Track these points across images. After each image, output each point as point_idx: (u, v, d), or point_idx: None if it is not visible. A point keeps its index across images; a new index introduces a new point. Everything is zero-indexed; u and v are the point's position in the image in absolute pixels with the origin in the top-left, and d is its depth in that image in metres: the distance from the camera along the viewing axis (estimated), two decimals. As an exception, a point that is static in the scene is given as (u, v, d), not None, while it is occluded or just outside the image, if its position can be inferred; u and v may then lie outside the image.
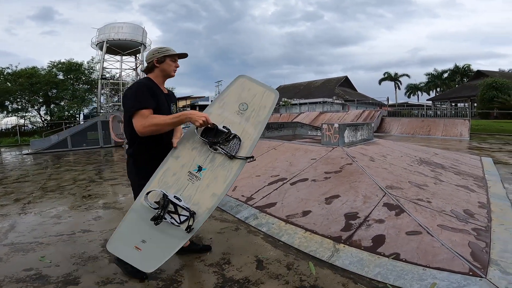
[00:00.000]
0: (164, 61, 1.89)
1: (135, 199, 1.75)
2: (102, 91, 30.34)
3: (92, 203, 4.26)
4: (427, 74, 41.89)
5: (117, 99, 33.86)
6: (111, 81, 31.05)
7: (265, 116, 1.78)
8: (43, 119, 28.40)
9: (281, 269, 2.16)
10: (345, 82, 40.44)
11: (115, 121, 13.34)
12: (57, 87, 27.64)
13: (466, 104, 29.29)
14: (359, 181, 3.41)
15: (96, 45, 30.05)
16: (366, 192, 3.09)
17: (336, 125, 5.10)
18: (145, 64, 1.95)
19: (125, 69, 32.94)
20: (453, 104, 31.31)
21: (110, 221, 3.46)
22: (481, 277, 1.69)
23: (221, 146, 1.67)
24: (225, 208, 3.62)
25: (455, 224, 2.39)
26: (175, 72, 1.96)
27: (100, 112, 26.34)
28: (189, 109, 32.54)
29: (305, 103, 30.58)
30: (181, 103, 36.36)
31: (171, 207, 1.57)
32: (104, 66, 29.99)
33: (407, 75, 43.64)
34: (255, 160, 1.75)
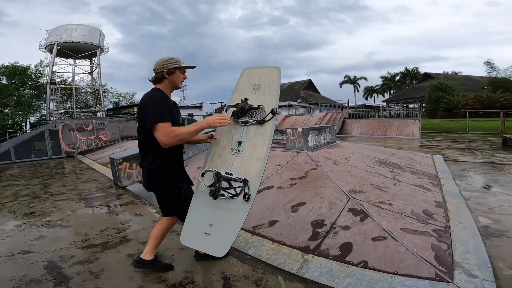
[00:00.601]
0: (174, 72, 1.89)
1: (166, 208, 2.01)
2: (52, 97, 27.93)
3: (34, 221, 3.80)
4: (382, 77, 44.81)
5: (69, 105, 31.41)
6: (62, 86, 28.74)
7: (276, 86, 1.98)
8: (-18, 128, 25.38)
9: (250, 286, 2.03)
10: (309, 85, 41.76)
11: (66, 129, 12.26)
12: (0, 93, 24.91)
13: (415, 105, 31.75)
14: (323, 187, 3.40)
15: (46, 47, 27.62)
16: (331, 198, 3.08)
17: (300, 129, 5.11)
18: (154, 74, 1.92)
19: (79, 73, 30.78)
20: (405, 105, 33.77)
21: (55, 240, 3.11)
22: (448, 282, 1.71)
23: (249, 118, 1.88)
24: (188, 222, 3.40)
25: (416, 226, 2.44)
26: (182, 84, 1.99)
27: (49, 120, 24.16)
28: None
29: (272, 107, 30.75)
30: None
31: (225, 184, 1.70)
32: (54, 70, 27.60)
33: (365, 78, 46.43)
34: (275, 114, 1.89)
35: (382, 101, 40.03)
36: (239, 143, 1.85)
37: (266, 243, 2.55)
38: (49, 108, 26.97)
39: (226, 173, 1.74)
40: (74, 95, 30.08)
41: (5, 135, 16.70)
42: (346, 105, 32.02)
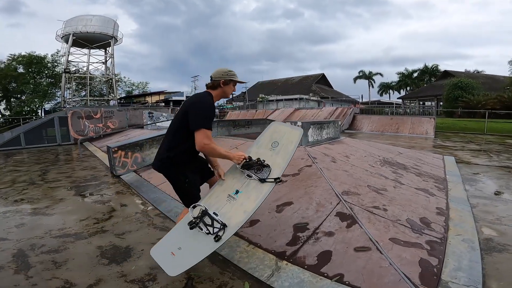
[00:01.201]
0: (229, 84, 2.07)
1: (177, 191, 2.08)
2: (67, 86, 28.54)
3: (21, 208, 3.76)
4: (399, 73, 43.35)
5: (84, 93, 32.06)
6: (76, 75, 29.30)
7: (291, 149, 2.16)
8: (1, 114, 26.25)
9: (211, 290, 1.85)
10: (322, 79, 40.91)
11: (75, 117, 12.41)
12: (16, 81, 25.57)
13: (433, 103, 30.54)
14: (315, 186, 3.16)
15: (62, 37, 28.17)
16: (321, 199, 2.84)
17: (299, 123, 4.84)
18: (211, 80, 2.06)
19: (93, 62, 31.29)
20: (421, 102, 32.55)
21: (33, 228, 3.06)
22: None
23: (254, 173, 2.03)
24: (169, 215, 3.25)
25: (409, 236, 2.18)
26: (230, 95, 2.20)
27: (64, 107, 24.70)
28: (163, 104, 31.48)
29: (282, 100, 30.53)
30: (154, 98, 34.98)
31: (208, 221, 1.82)
32: (69, 59, 28.15)
33: (380, 74, 44.94)
34: (283, 182, 2.03)
35: (398, 98, 38.77)
36: (237, 192, 1.99)
37: (242, 244, 2.36)
38: (63, 96, 27.55)
39: (214, 212, 1.87)
40: (88, 84, 30.60)
41: (19, 121, 17.13)
42: (359, 100, 31.19)
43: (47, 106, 29.70)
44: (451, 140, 10.90)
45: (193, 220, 1.82)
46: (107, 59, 31.19)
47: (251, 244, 2.33)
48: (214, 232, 1.76)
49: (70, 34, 27.15)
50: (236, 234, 2.53)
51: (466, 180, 4.50)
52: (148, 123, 13.83)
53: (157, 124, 13.18)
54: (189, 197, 2.04)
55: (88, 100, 31.38)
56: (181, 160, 1.99)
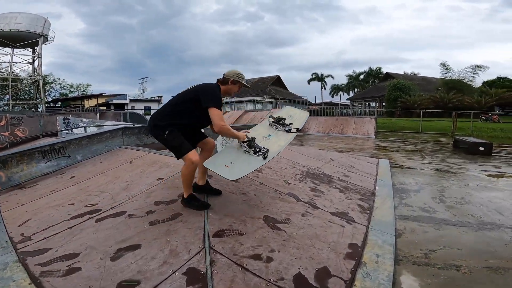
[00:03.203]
0: (236, 84, 2.44)
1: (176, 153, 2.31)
2: None
3: None
4: (347, 76, 45.27)
5: (8, 96, 28.06)
6: None
7: (303, 120, 3.16)
8: None
9: None
10: (277, 81, 41.07)
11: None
12: None
13: (376, 103, 32.15)
14: (184, 221, 2.19)
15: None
16: (180, 244, 1.89)
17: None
18: (222, 77, 2.43)
19: (16, 62, 27.98)
20: (367, 103, 34.12)
21: None
22: None
23: (282, 126, 2.87)
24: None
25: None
26: (234, 94, 2.60)
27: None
28: (104, 108, 28.61)
29: (238, 102, 29.68)
30: (92, 101, 31.71)
31: (255, 149, 2.34)
32: None
33: (332, 76, 46.51)
34: (300, 131, 3.01)
35: (347, 99, 40.35)
36: (269, 135, 2.73)
37: None
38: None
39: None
40: (10, 86, 27.01)
41: None
42: (314, 102, 31.64)
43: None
44: (389, 140, 10.89)
45: (246, 143, 2.32)
46: (35, 58, 28.02)
47: None
48: (262, 152, 2.31)
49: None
50: (40, 285, 1.46)
51: (397, 191, 3.91)
52: (63, 130, 11.86)
53: (75, 131, 11.29)
54: (177, 149, 2.25)
55: (10, 104, 27.52)
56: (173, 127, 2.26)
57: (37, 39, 26.98)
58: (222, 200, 2.61)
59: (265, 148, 2.35)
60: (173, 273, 1.65)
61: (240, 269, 1.71)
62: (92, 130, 9.88)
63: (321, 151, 6.30)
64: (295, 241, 2.06)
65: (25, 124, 11.99)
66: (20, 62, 28.43)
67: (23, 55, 28.44)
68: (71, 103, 32.17)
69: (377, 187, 3.98)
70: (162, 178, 3.23)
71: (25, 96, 31.40)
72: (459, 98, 22.79)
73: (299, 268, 1.76)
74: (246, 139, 2.35)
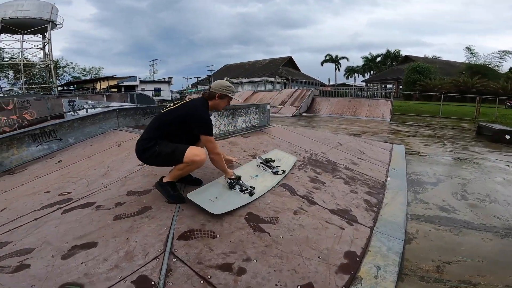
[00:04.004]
0: (224, 98, 2.24)
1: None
2: (2, 74, 25.71)
3: None
4: (363, 58, 43.24)
5: (22, 81, 28.61)
6: (7, 62, 26.26)
7: (290, 164, 3.15)
8: None
9: None
10: (289, 62, 39.92)
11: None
12: None
13: (393, 86, 30.64)
14: (152, 217, 1.83)
15: (-12, 24, 25.15)
16: (141, 244, 1.57)
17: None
18: (210, 90, 2.25)
19: (26, 48, 28.70)
20: (383, 85, 32.60)
21: None
22: None
23: (269, 168, 2.86)
24: None
25: None
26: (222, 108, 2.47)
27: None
28: (116, 90, 28.56)
29: (248, 82, 29.09)
30: (103, 84, 31.74)
31: (241, 187, 2.29)
32: (0, 46, 25.44)
33: (346, 58, 44.52)
34: (284, 172, 2.89)
35: (362, 81, 38.79)
36: (256, 175, 2.69)
37: None
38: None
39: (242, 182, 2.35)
40: (22, 71, 27.72)
41: None
42: (326, 83, 30.53)
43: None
44: (405, 124, 10.16)
45: (232, 181, 2.27)
46: (45, 44, 28.52)
47: None
48: (249, 190, 2.26)
49: (-3, 20, 24.41)
50: None
51: (411, 183, 3.43)
52: (68, 112, 11.74)
53: (79, 112, 11.13)
54: (174, 151, 2.03)
55: (23, 88, 28.18)
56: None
57: (46, 25, 27.15)
58: (200, 192, 2.23)
59: (252, 186, 2.31)
60: (121, 279, 1.33)
61: (202, 282, 1.35)
62: (93, 112, 9.67)
63: (328, 134, 5.79)
64: (279, 248, 1.67)
65: (33, 107, 11.97)
66: (31, 48, 28.77)
67: (33, 41, 28.79)
68: (84, 85, 32.53)
69: (388, 178, 3.51)
70: (143, 164, 2.88)
71: (39, 81, 32.10)
72: (484, 83, 21.26)
73: (276, 285, 1.37)
74: (233, 176, 2.29)
